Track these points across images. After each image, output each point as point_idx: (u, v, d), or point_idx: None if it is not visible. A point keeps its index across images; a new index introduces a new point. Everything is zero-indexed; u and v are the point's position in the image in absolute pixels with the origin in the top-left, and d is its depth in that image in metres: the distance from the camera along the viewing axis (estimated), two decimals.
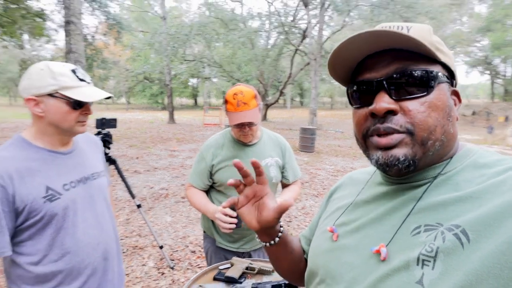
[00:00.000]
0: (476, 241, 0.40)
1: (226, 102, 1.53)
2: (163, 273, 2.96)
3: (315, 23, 16.07)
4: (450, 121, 0.51)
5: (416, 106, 0.49)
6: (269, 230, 0.68)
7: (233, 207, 1.38)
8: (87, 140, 1.30)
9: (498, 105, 26.62)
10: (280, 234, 0.70)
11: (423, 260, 0.43)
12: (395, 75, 0.50)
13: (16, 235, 1.01)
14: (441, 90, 0.51)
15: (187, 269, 3.05)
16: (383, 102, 0.49)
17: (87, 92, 1.06)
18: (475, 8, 31.51)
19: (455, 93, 0.55)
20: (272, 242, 0.70)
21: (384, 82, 0.50)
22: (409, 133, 0.49)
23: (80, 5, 6.06)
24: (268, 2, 18.29)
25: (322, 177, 6.90)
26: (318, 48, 14.68)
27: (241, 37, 15.51)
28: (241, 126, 1.52)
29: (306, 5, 14.89)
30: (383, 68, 0.51)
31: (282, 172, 1.74)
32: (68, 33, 5.96)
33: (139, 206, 2.88)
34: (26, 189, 0.99)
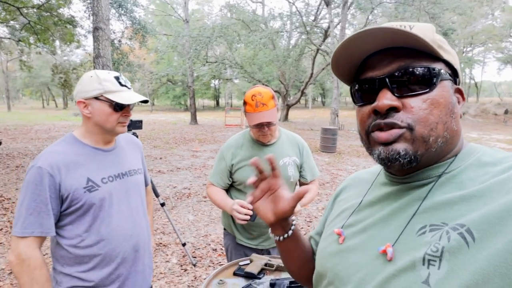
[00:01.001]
0: (482, 240, 0.40)
1: (245, 103, 1.58)
2: (185, 270, 3.05)
3: (337, 22, 15.86)
4: (453, 118, 0.51)
5: (418, 103, 0.49)
6: (283, 223, 0.70)
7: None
8: (129, 141, 1.45)
9: None
10: (293, 227, 0.72)
11: (429, 260, 0.44)
12: (397, 73, 0.50)
13: (59, 220, 1.16)
14: (444, 87, 0.51)
15: (209, 266, 3.13)
16: (386, 99, 0.50)
17: (126, 96, 1.19)
18: (509, 2, 29.84)
19: (459, 91, 0.55)
20: (286, 235, 0.71)
21: (387, 80, 0.51)
22: (409, 128, 0.49)
23: (108, 12, 6.34)
24: (290, 2, 18.25)
25: (343, 178, 6.82)
26: None
27: (262, 38, 15.55)
28: (260, 126, 1.57)
29: (328, 4, 14.72)
30: (385, 66, 0.52)
31: (300, 171, 1.76)
32: (96, 39, 6.25)
33: (163, 204, 2.98)
34: (71, 180, 1.13)
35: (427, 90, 0.49)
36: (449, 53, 0.53)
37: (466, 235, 0.42)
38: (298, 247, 0.75)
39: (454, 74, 0.54)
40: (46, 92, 48.50)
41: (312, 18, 17.97)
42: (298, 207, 1.50)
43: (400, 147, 0.49)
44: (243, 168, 1.67)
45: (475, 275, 0.39)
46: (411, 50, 0.50)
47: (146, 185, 1.52)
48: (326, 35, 17.11)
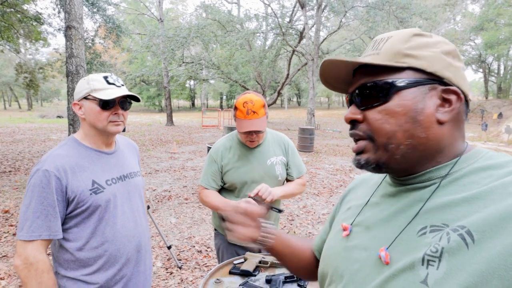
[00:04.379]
0: (481, 241, 0.41)
1: (235, 108, 1.61)
2: (171, 273, 3.03)
3: (312, 24, 16.20)
4: (417, 125, 0.51)
5: (374, 115, 0.54)
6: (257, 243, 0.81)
7: (256, 198, 1.47)
8: (127, 144, 1.46)
9: (491, 102, 26.84)
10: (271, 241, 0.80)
11: (428, 260, 0.44)
12: (357, 90, 0.57)
13: (65, 222, 1.16)
14: (404, 97, 0.52)
15: (195, 268, 3.13)
16: (349, 112, 0.58)
17: (111, 93, 1.19)
18: (468, 8, 31.82)
19: (453, 92, 0.52)
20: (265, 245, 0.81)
21: (352, 95, 0.58)
22: (370, 139, 0.55)
23: (81, 10, 6.10)
24: (265, 4, 18.40)
25: (322, 176, 7.00)
26: (315, 49, 14.80)
27: (238, 38, 15.57)
28: (249, 133, 1.61)
29: (302, 6, 15.00)
30: (355, 83, 0.58)
31: (287, 169, 1.83)
32: (69, 38, 6.00)
33: (148, 207, 2.94)
34: (77, 182, 1.13)
35: (382, 102, 0.53)
36: (421, 59, 0.53)
37: (466, 236, 0.42)
38: (285, 253, 0.83)
39: (438, 78, 0.53)
40: (8, 93, 45.67)
41: (288, 19, 18.22)
42: (271, 197, 1.53)
43: (363, 157, 0.56)
44: (232, 170, 1.71)
45: (473, 276, 0.39)
46: (376, 66, 0.55)
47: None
48: (301, 36, 17.41)
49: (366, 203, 0.64)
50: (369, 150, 0.55)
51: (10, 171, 6.78)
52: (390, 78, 0.53)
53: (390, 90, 0.52)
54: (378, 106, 0.54)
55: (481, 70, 35.11)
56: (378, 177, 0.69)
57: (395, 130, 0.52)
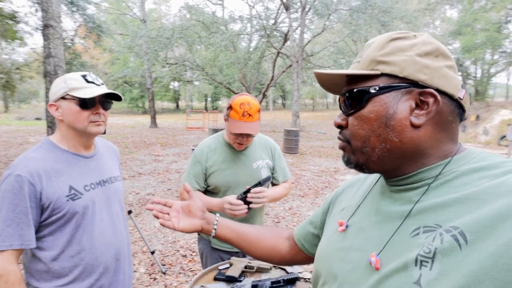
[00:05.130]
0: (474, 242, 0.41)
1: (230, 108, 1.56)
2: (155, 279, 2.95)
3: (296, 27, 16.32)
4: (389, 130, 0.53)
5: (352, 121, 0.58)
6: (205, 226, 0.88)
7: (240, 196, 1.49)
8: (107, 147, 1.39)
9: (470, 105, 27.79)
10: (215, 226, 0.88)
11: (421, 261, 0.44)
12: (341, 97, 0.61)
13: (38, 231, 1.08)
14: (377, 102, 0.54)
15: (179, 273, 3.06)
16: (337, 117, 0.62)
17: (92, 91, 1.13)
18: (447, 13, 32.93)
19: (429, 94, 0.51)
20: (213, 233, 0.88)
21: (339, 102, 0.62)
22: (348, 142, 0.59)
23: (59, 8, 5.91)
24: (250, 5, 18.41)
25: (307, 178, 7.03)
26: (299, 51, 14.92)
27: (223, 40, 15.49)
28: (240, 135, 1.58)
29: (287, 8, 15.10)
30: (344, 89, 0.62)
31: (272, 173, 1.80)
32: (46, 37, 5.80)
33: (129, 212, 2.86)
34: (52, 188, 1.07)
35: (357, 108, 0.57)
36: (393, 64, 0.53)
37: (459, 237, 0.42)
38: (234, 238, 0.90)
39: (412, 81, 0.53)
40: None
41: (272, 21, 18.29)
42: (260, 201, 1.53)
43: (345, 156, 0.61)
44: (217, 172, 1.67)
45: (466, 277, 0.40)
46: (357, 75, 0.58)
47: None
48: (286, 38, 17.51)
49: (361, 204, 0.65)
50: (348, 151, 0.60)
51: None
52: (364, 85, 0.55)
53: (363, 97, 0.55)
54: (355, 113, 0.57)
55: (459, 73, 36.21)
56: (373, 178, 0.69)
57: (369, 135, 0.55)
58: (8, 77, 14.96)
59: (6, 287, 0.98)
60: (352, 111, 0.57)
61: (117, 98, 1.22)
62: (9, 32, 11.44)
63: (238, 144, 1.64)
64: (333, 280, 0.59)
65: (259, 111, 1.58)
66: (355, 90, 0.56)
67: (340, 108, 0.62)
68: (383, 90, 0.53)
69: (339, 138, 0.62)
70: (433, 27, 30.94)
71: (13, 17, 10.48)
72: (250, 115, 1.53)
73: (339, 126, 0.61)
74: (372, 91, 0.54)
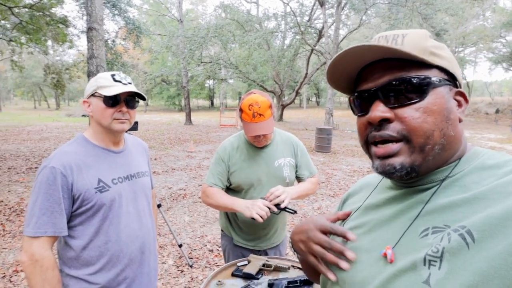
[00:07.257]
0: (482, 241, 0.41)
1: (241, 110, 1.56)
2: (182, 271, 3.05)
3: (331, 23, 15.93)
4: (449, 123, 0.51)
5: (410, 113, 0.50)
6: None
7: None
8: (137, 144, 1.46)
9: None
10: None
11: (430, 261, 0.44)
12: (388, 85, 0.52)
13: (70, 220, 1.16)
14: (437, 94, 0.51)
15: (205, 267, 3.13)
16: (378, 111, 0.51)
17: (116, 89, 1.17)
18: (499, 2, 30.28)
19: (461, 94, 0.54)
20: None
21: (379, 92, 0.52)
22: (406, 140, 0.50)
23: (101, 12, 6.29)
24: (284, 3, 18.28)
25: (338, 178, 6.86)
26: (334, 48, 14.54)
27: (257, 38, 15.55)
28: (254, 137, 1.58)
29: (322, 4, 14.77)
30: (378, 78, 0.53)
31: (297, 171, 1.77)
32: (90, 39, 6.20)
33: (159, 205, 2.97)
34: (82, 180, 1.13)
35: (418, 99, 0.50)
36: (443, 58, 0.53)
37: (466, 236, 0.42)
38: None
39: (452, 78, 0.54)
40: (38, 93, 47.87)
41: (307, 18, 18.02)
42: (284, 199, 1.50)
43: (397, 161, 0.51)
44: (239, 170, 1.67)
45: (475, 276, 0.39)
46: (402, 61, 0.51)
47: (151, 188, 1.52)
48: (320, 35, 17.18)
49: (360, 206, 0.64)
50: (404, 152, 0.50)
51: (36, 168, 7.08)
52: (423, 74, 0.51)
53: (428, 87, 0.50)
54: (415, 104, 0.50)
55: None
56: (376, 180, 0.68)
57: (433, 129, 0.49)
58: (58, 77, 16.22)
59: (41, 271, 1.06)
60: (411, 101, 0.50)
61: (141, 97, 1.27)
62: (60, 35, 12.36)
63: (258, 143, 1.64)
64: (342, 282, 0.58)
65: (270, 106, 1.55)
66: (415, 77, 0.50)
67: (369, 100, 0.53)
68: (441, 82, 0.51)
69: (385, 136, 0.51)
70: (483, 19, 28.60)
71: (64, 21, 11.29)
72: (260, 114, 1.51)
73: (381, 121, 0.52)
74: (436, 81, 0.50)
